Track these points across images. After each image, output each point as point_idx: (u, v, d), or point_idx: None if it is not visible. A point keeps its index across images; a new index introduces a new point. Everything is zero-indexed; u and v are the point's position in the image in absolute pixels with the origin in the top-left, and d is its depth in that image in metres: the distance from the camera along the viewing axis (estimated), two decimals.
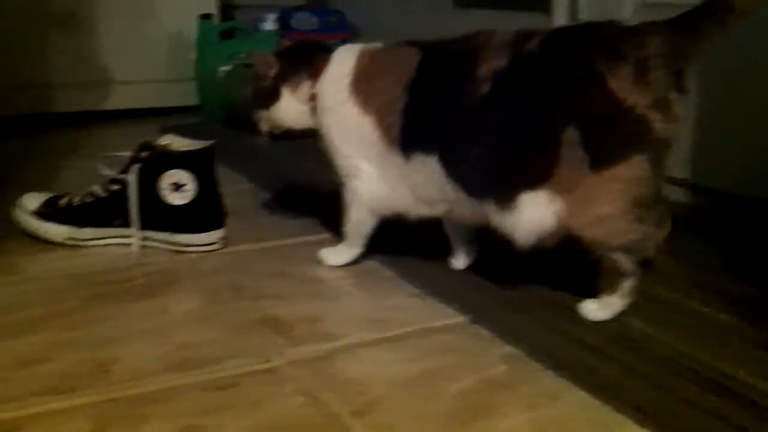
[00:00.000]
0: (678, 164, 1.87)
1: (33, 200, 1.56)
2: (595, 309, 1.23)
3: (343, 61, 1.37)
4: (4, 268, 1.41)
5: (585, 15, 2.19)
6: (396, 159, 1.29)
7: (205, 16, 2.89)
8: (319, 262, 1.46)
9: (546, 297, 1.31)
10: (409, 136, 1.26)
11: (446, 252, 1.43)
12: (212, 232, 1.52)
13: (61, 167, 2.17)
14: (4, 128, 2.72)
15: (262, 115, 1.47)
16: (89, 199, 1.51)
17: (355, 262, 1.45)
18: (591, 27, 1.16)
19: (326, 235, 1.48)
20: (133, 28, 3.00)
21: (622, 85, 1.08)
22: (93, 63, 2.95)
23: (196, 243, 1.50)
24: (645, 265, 1.21)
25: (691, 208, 1.86)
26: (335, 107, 1.36)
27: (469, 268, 1.41)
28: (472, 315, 1.23)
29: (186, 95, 3.04)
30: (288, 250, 1.55)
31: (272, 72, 1.43)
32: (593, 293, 1.23)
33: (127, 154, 1.51)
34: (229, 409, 0.96)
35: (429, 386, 1.02)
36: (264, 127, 1.49)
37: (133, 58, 3.01)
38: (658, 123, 1.08)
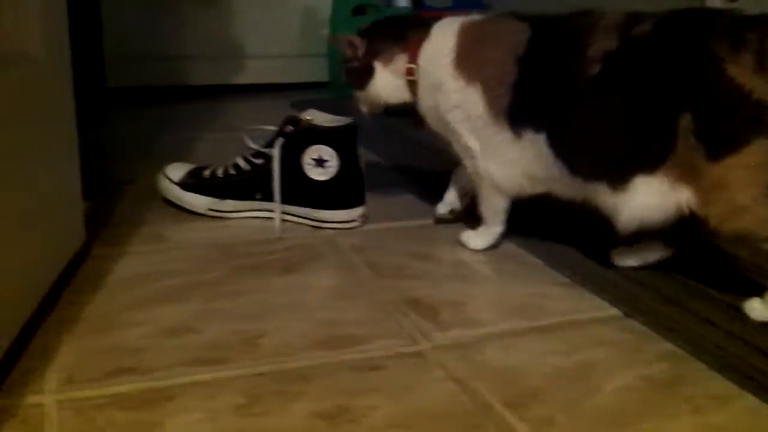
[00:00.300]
0: None
1: (177, 170, 1.58)
2: (760, 308, 1.15)
3: (445, 36, 1.35)
4: (149, 237, 1.43)
5: None
6: (504, 134, 1.28)
7: None
8: (459, 244, 1.42)
9: (704, 291, 1.24)
10: (519, 111, 1.25)
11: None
12: (352, 210, 1.50)
13: (198, 138, 2.21)
14: (142, 99, 2.78)
15: (360, 96, 1.48)
16: (232, 172, 1.51)
17: (497, 246, 1.41)
18: (710, 12, 1.15)
19: (470, 217, 1.44)
20: (267, 2, 3.02)
21: (741, 71, 1.05)
22: (227, 37, 2.99)
23: (336, 219, 1.49)
24: None
25: None
26: (440, 83, 1.34)
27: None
28: (625, 307, 1.18)
29: (317, 71, 3.05)
30: (427, 230, 1.52)
31: (360, 51, 1.43)
32: (758, 291, 1.15)
33: (272, 127, 1.51)
34: (378, 392, 0.94)
35: (585, 381, 0.98)
36: (363, 107, 1.50)
37: (267, 33, 3.04)
38: None
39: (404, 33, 1.41)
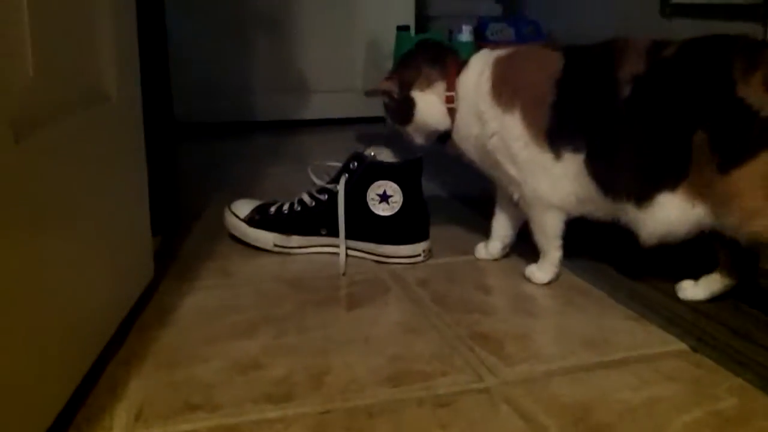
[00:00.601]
0: None
1: (243, 207, 1.60)
2: (691, 289, 1.30)
3: (482, 66, 1.39)
4: (216, 272, 1.45)
5: None
6: (546, 154, 1.31)
7: (403, 28, 2.90)
8: (524, 277, 1.42)
9: None
10: (558, 132, 1.29)
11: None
12: (417, 245, 1.50)
13: (265, 173, 2.24)
14: (210, 133, 2.83)
15: (410, 129, 1.48)
16: (298, 208, 1.53)
17: (562, 278, 1.41)
18: (727, 38, 1.19)
19: (528, 247, 1.43)
20: (332, 38, 3.06)
21: (751, 91, 1.11)
22: (294, 72, 3.03)
23: (400, 254, 1.50)
24: None
25: None
26: (480, 112, 1.37)
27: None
28: (694, 341, 1.16)
29: (382, 105, 3.07)
30: (491, 263, 1.52)
31: (394, 87, 1.45)
32: None
33: (336, 163, 1.52)
34: (446, 429, 0.94)
35: (655, 416, 0.96)
36: (418, 140, 1.50)
37: (332, 67, 3.08)
38: None
39: (441, 59, 1.44)
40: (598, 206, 1.30)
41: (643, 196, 1.22)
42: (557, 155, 1.30)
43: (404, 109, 1.45)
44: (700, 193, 1.16)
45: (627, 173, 1.23)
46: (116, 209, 1.13)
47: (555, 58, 1.32)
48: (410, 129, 1.48)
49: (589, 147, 1.26)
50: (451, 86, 1.41)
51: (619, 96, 1.22)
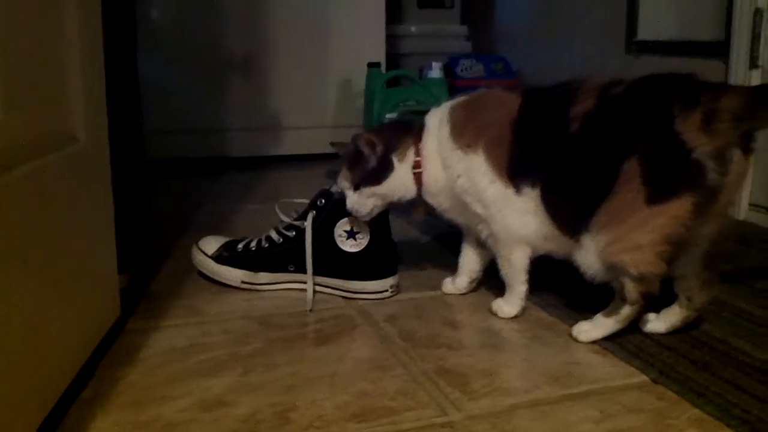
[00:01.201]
0: None
1: (211, 244, 1.61)
2: (587, 330, 1.30)
3: (438, 119, 1.43)
4: (184, 310, 1.45)
5: (766, 63, 2.10)
6: (510, 189, 1.34)
7: (374, 65, 2.93)
8: (491, 313, 1.43)
9: (734, 356, 1.24)
10: (518, 168, 1.33)
11: None
12: (385, 280, 1.52)
13: (235, 210, 2.24)
14: (182, 170, 2.84)
15: (369, 191, 1.44)
16: (265, 244, 1.54)
17: (529, 314, 1.42)
18: (674, 76, 1.23)
19: (495, 283, 1.45)
20: (304, 75, 3.09)
21: (687, 128, 1.14)
22: (265, 109, 3.05)
23: (368, 290, 1.51)
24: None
25: None
26: (444, 159, 1.40)
27: None
28: (657, 374, 1.18)
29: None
30: (459, 298, 1.54)
31: (379, 147, 1.43)
32: None
33: (304, 201, 1.54)
34: None
35: None
36: (366, 207, 1.45)
37: (304, 104, 3.10)
38: (712, 172, 1.14)
39: (411, 131, 1.45)
40: (560, 244, 1.33)
41: (578, 232, 1.26)
42: (518, 190, 1.33)
43: (380, 170, 1.43)
44: (613, 223, 1.20)
45: (573, 208, 1.26)
46: (82, 248, 1.13)
47: (514, 99, 1.36)
48: (368, 192, 1.44)
49: (544, 182, 1.30)
50: (418, 152, 1.43)
51: (569, 133, 1.25)
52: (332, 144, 1.55)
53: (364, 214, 1.46)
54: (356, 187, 1.44)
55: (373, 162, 1.43)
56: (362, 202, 1.45)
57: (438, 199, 1.46)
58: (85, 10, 1.15)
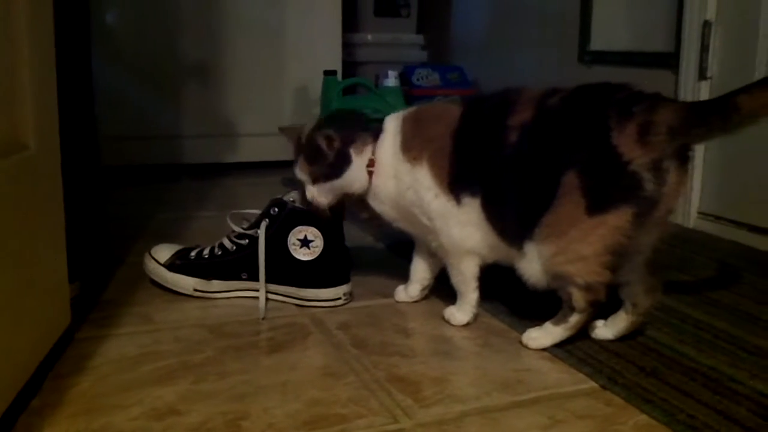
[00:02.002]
0: None
1: (163, 251, 1.60)
2: (537, 337, 1.32)
3: (394, 128, 1.44)
4: (136, 318, 1.45)
5: (715, 74, 2.14)
6: (452, 202, 1.36)
7: (330, 72, 2.94)
8: (443, 320, 1.45)
9: (679, 361, 1.27)
10: (458, 179, 1.35)
11: None
12: (338, 288, 1.52)
13: (189, 217, 2.24)
14: (136, 178, 2.82)
15: (327, 185, 1.44)
16: (218, 252, 1.54)
17: (482, 321, 1.44)
18: (609, 86, 1.25)
19: (448, 290, 1.46)
20: (260, 82, 3.09)
21: (624, 140, 1.17)
22: (221, 116, 3.04)
23: (321, 298, 1.51)
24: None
25: None
26: (393, 169, 1.42)
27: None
28: (605, 380, 1.20)
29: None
30: (411, 306, 1.55)
31: (336, 143, 1.43)
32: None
33: (256, 211, 1.53)
34: None
35: None
36: (325, 199, 1.46)
37: (260, 111, 3.10)
38: (649, 183, 1.17)
39: (369, 126, 1.46)
40: (506, 254, 1.34)
41: (521, 241, 1.28)
42: (459, 202, 1.35)
43: (338, 164, 1.43)
44: (555, 234, 1.22)
45: (513, 217, 1.29)
46: (31, 256, 1.12)
47: (454, 111, 1.38)
48: (327, 185, 1.44)
49: (484, 192, 1.32)
50: (374, 151, 1.44)
51: (507, 143, 1.27)
52: (281, 129, 1.55)
53: (324, 204, 1.47)
54: (315, 181, 1.45)
55: (330, 157, 1.43)
56: (321, 194, 1.45)
57: (383, 207, 1.47)
58: (35, 13, 1.14)
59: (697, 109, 1.21)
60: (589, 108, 1.23)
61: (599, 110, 1.21)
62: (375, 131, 1.45)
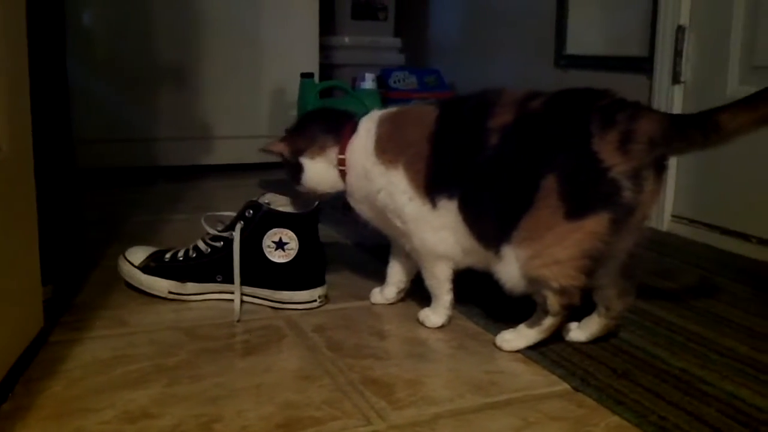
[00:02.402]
0: None
1: (138, 254, 1.59)
2: (511, 339, 1.33)
3: (368, 127, 1.44)
4: (110, 321, 1.44)
5: (688, 78, 2.16)
6: (428, 205, 1.36)
7: (307, 75, 2.93)
8: (418, 322, 1.45)
9: (651, 363, 1.28)
10: (435, 181, 1.35)
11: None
12: (313, 290, 1.52)
13: (165, 220, 2.23)
14: (112, 180, 2.81)
15: (301, 189, 1.51)
16: (193, 255, 1.53)
17: (456, 323, 1.44)
18: (591, 92, 1.26)
19: (423, 293, 1.47)
20: (237, 84, 3.09)
21: (605, 147, 1.18)
22: (197, 118, 3.03)
23: (296, 300, 1.51)
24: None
25: None
26: (366, 170, 1.42)
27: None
28: (578, 382, 1.20)
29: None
30: (387, 308, 1.55)
31: (285, 150, 1.49)
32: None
33: (231, 213, 1.53)
34: None
35: None
36: (308, 197, 1.54)
37: (237, 114, 3.09)
38: (627, 190, 1.18)
39: (337, 125, 1.47)
40: (480, 257, 1.35)
41: (499, 245, 1.29)
42: (434, 205, 1.35)
43: (294, 172, 1.49)
44: (531, 238, 1.23)
45: (491, 220, 1.29)
46: (3, 258, 1.11)
47: (431, 113, 1.38)
48: (301, 188, 1.51)
49: (462, 194, 1.32)
50: (343, 150, 1.45)
51: (488, 145, 1.28)
52: (261, 150, 1.56)
53: (314, 198, 1.52)
54: (293, 182, 1.51)
55: (286, 166, 1.50)
56: (305, 191, 1.51)
57: (360, 206, 1.48)
58: (7, 14, 1.13)
59: (678, 122, 1.22)
60: (571, 113, 1.24)
61: (581, 115, 1.22)
62: (347, 130, 1.46)
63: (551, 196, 1.21)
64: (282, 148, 1.49)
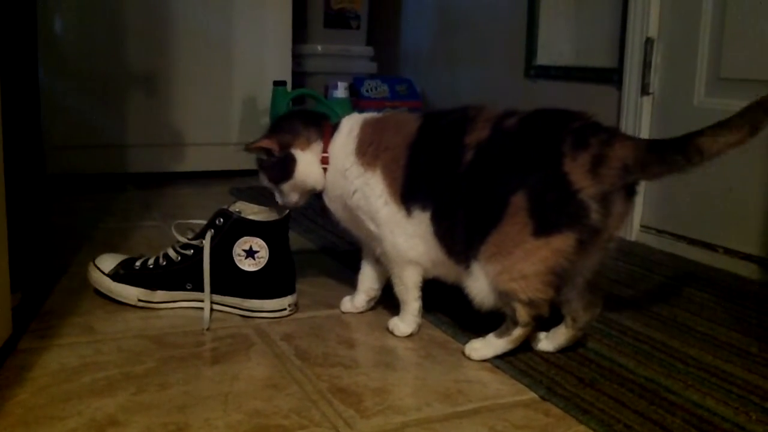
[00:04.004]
0: (751, 240, 1.87)
1: (107, 261, 1.59)
2: (479, 348, 1.34)
3: (350, 128, 1.45)
4: (79, 329, 1.43)
5: (656, 89, 2.19)
6: (401, 212, 1.37)
7: (279, 83, 2.94)
8: (387, 331, 1.46)
9: (618, 372, 1.29)
10: (410, 190, 1.36)
11: None
12: (283, 299, 1.52)
13: (135, 227, 2.22)
14: (81, 187, 2.79)
15: (287, 187, 1.48)
16: (163, 262, 1.53)
17: (424, 332, 1.45)
18: (566, 113, 1.28)
19: (393, 301, 1.47)
20: (209, 91, 3.08)
21: (575, 169, 1.20)
22: (168, 125, 3.02)
23: (266, 309, 1.51)
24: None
25: (764, 285, 1.83)
26: (344, 170, 1.43)
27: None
28: (545, 391, 1.21)
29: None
30: (357, 316, 1.55)
31: (275, 145, 1.46)
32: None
33: (201, 221, 1.53)
34: None
35: None
36: (293, 199, 1.50)
37: (208, 121, 3.08)
38: (595, 213, 1.20)
39: (317, 122, 1.48)
40: (449, 270, 1.37)
41: (468, 259, 1.30)
42: (408, 213, 1.36)
43: (284, 166, 1.46)
44: (501, 254, 1.25)
45: (462, 235, 1.30)
46: None
47: (413, 123, 1.40)
48: (287, 187, 1.48)
49: (434, 206, 1.33)
50: (326, 147, 1.46)
51: (463, 160, 1.29)
52: (246, 148, 1.54)
53: (293, 204, 1.51)
54: (277, 184, 1.48)
55: (275, 162, 1.46)
56: (289, 195, 1.49)
57: (334, 205, 1.49)
58: None
59: (657, 148, 1.22)
60: (544, 133, 1.26)
61: (554, 136, 1.23)
62: (326, 128, 1.47)
63: (520, 213, 1.22)
64: (269, 143, 1.46)
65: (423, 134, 1.37)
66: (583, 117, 1.26)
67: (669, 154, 1.20)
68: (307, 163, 1.46)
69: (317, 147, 1.46)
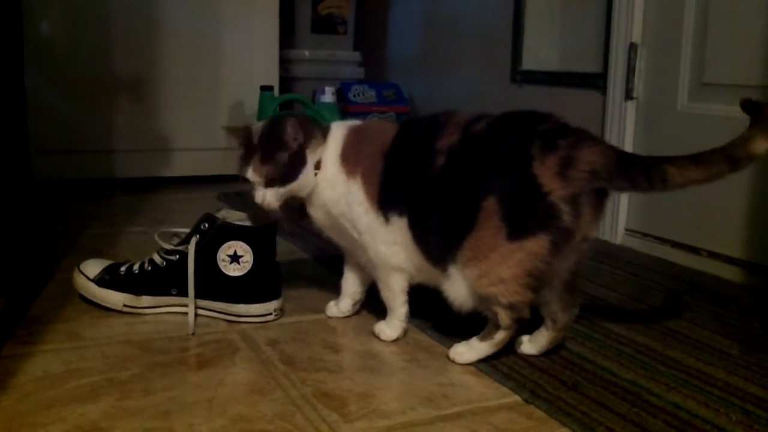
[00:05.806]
0: (734, 243, 1.89)
1: (93, 267, 1.59)
2: (463, 352, 1.35)
3: (336, 135, 1.44)
4: (64, 335, 1.43)
5: (640, 94, 2.20)
6: (380, 219, 1.38)
7: (266, 88, 2.95)
8: (373, 335, 1.46)
9: (601, 376, 1.30)
10: (387, 197, 1.37)
11: None
12: (268, 303, 1.53)
13: (121, 232, 2.22)
14: (68, 192, 2.79)
15: (283, 189, 1.40)
16: (148, 268, 1.53)
17: (410, 337, 1.46)
18: (535, 115, 1.29)
19: (379, 306, 1.48)
20: (195, 97, 3.07)
21: (544, 171, 1.21)
22: (155, 130, 3.02)
23: (252, 314, 1.52)
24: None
25: (747, 288, 1.84)
26: (331, 176, 1.42)
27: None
28: (528, 394, 1.22)
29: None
30: (342, 321, 1.56)
31: (300, 134, 1.39)
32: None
33: (185, 230, 1.53)
34: None
35: None
36: (273, 201, 1.41)
37: (195, 126, 3.08)
38: (566, 215, 1.21)
39: (319, 127, 1.44)
40: (430, 275, 1.38)
41: (446, 264, 1.31)
42: (386, 219, 1.37)
43: (295, 164, 1.39)
44: (478, 258, 1.26)
45: (438, 240, 1.31)
46: None
47: (389, 131, 1.41)
48: (283, 190, 1.40)
49: (410, 213, 1.34)
50: (320, 153, 1.43)
51: (434, 166, 1.30)
52: (227, 129, 1.51)
53: (275, 207, 1.41)
54: (269, 184, 1.40)
55: (289, 154, 1.38)
56: (275, 197, 1.40)
57: (318, 213, 1.47)
58: None
59: (625, 161, 1.22)
60: (513, 136, 1.26)
61: (523, 139, 1.24)
62: (324, 135, 1.44)
63: (493, 217, 1.23)
64: (296, 131, 1.38)
65: (398, 142, 1.38)
66: (551, 119, 1.27)
67: (634, 173, 1.20)
68: (310, 168, 1.41)
69: (319, 153, 1.42)
